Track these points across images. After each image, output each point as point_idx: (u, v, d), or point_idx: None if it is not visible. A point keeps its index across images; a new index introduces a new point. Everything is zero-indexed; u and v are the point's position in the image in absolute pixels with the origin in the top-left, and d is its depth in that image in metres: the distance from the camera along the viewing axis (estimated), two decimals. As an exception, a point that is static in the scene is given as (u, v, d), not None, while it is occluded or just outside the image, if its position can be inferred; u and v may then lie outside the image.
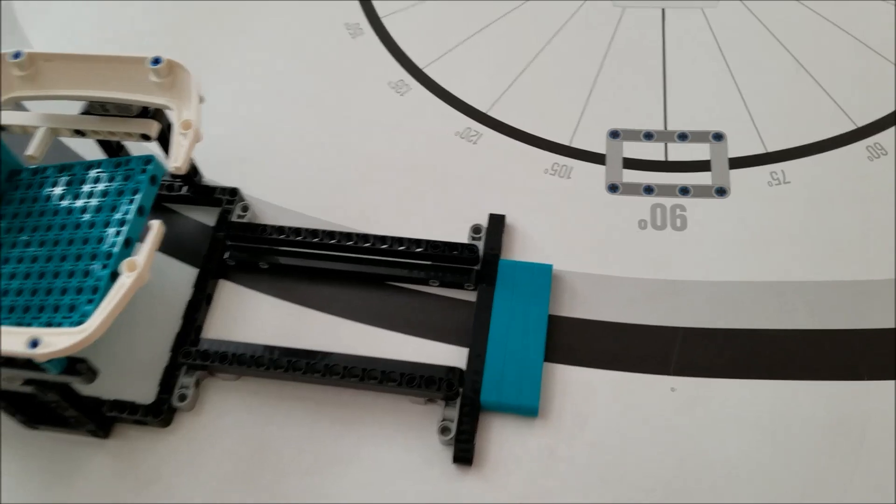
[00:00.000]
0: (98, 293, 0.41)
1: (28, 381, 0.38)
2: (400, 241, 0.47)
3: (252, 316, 0.47)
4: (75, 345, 0.34)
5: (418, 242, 0.46)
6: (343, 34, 0.59)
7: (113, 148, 0.50)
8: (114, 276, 0.42)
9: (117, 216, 0.43)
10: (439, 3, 0.60)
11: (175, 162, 0.39)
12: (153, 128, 0.46)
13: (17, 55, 0.43)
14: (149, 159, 0.45)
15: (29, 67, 0.44)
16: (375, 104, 0.55)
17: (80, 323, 0.40)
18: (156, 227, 0.37)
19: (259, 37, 0.60)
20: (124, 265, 0.36)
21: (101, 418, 0.43)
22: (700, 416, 0.42)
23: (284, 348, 0.45)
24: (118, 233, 0.43)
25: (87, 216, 0.44)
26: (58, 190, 0.46)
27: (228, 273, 0.49)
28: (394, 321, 0.46)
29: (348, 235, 0.47)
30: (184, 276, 0.48)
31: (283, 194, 0.52)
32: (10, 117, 0.46)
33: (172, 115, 0.42)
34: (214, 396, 0.45)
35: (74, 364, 0.36)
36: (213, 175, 0.52)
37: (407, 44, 0.58)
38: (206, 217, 0.52)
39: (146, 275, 0.36)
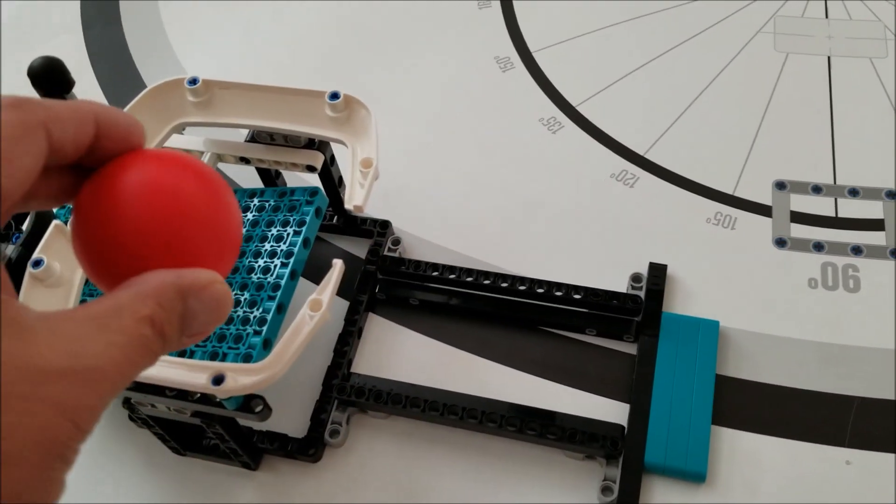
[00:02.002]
0: (265, 326, 0.41)
1: (197, 413, 0.38)
2: (558, 286, 0.45)
3: (401, 352, 0.47)
4: (258, 384, 0.34)
5: (577, 289, 0.45)
6: (493, 68, 0.58)
7: (270, 176, 0.50)
8: (280, 308, 0.42)
9: (283, 247, 0.43)
10: (591, 41, 0.59)
11: (356, 201, 0.39)
12: (319, 159, 0.46)
13: (193, 81, 0.44)
14: (314, 191, 0.45)
15: (204, 94, 0.44)
16: (527, 141, 0.54)
17: (246, 355, 0.40)
18: (338, 266, 0.37)
19: (409, 70, 0.59)
20: (308, 304, 0.36)
21: (252, 450, 0.43)
22: (879, 494, 0.39)
23: (435, 389, 0.44)
24: (284, 264, 0.43)
25: (252, 245, 0.44)
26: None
27: (377, 307, 0.48)
28: (546, 368, 0.45)
29: (503, 276, 0.46)
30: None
31: (431, 228, 0.51)
32: (178, 141, 0.47)
33: (348, 150, 0.42)
34: (364, 434, 0.44)
35: (251, 401, 0.36)
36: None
37: (559, 80, 0.57)
38: (354, 247, 0.51)
39: (328, 315, 0.36)
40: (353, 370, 0.46)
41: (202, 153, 0.48)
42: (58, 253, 0.39)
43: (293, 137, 0.46)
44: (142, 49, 0.64)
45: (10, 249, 0.39)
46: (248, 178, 0.54)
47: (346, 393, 0.44)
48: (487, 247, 0.50)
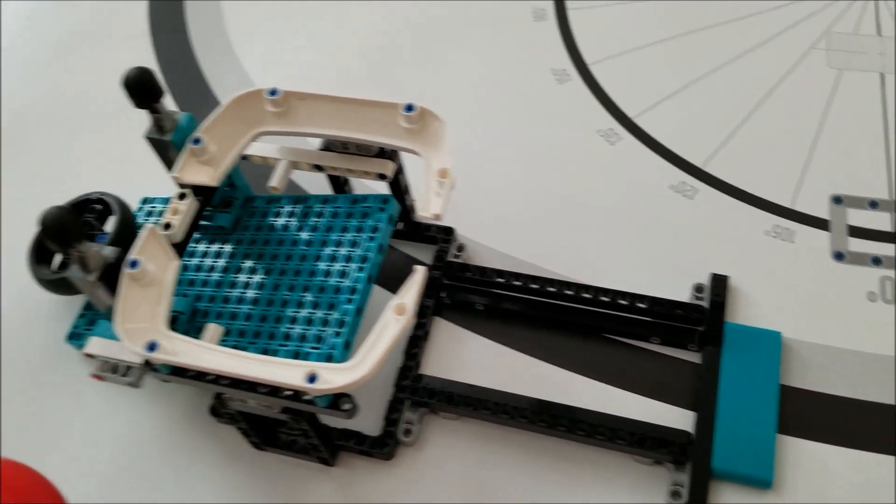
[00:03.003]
0: (345, 327, 0.42)
1: (285, 410, 0.40)
2: (622, 294, 0.47)
3: (467, 355, 0.48)
4: (350, 384, 0.35)
5: (641, 298, 0.46)
6: (550, 80, 0.60)
7: (339, 183, 0.52)
8: (358, 311, 0.43)
9: (358, 252, 0.45)
10: (647, 54, 0.60)
11: (434, 209, 0.40)
12: (390, 168, 0.48)
13: (273, 92, 0.45)
14: (387, 199, 0.47)
15: (283, 105, 0.46)
16: (586, 152, 0.55)
17: (329, 355, 0.42)
18: (421, 272, 0.38)
19: (465, 81, 0.61)
20: (393, 308, 0.37)
21: (331, 446, 0.44)
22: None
23: (503, 392, 0.45)
24: (360, 269, 0.44)
25: (327, 249, 0.46)
26: (294, 221, 0.48)
27: (443, 311, 0.50)
28: (611, 375, 0.46)
29: (568, 284, 0.48)
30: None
31: (492, 235, 0.53)
32: (256, 149, 0.49)
33: (423, 160, 0.44)
34: (434, 434, 0.45)
35: (339, 399, 0.38)
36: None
37: (616, 92, 0.58)
38: (418, 253, 0.53)
39: (413, 319, 0.37)
40: (421, 372, 0.47)
41: (278, 160, 0.49)
42: (151, 255, 0.41)
43: (365, 146, 0.48)
44: (207, 55, 0.65)
45: (108, 250, 0.40)
46: (316, 184, 0.56)
47: (419, 394, 0.45)
48: (547, 253, 0.51)
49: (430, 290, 0.50)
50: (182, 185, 0.45)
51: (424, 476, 0.44)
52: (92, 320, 0.50)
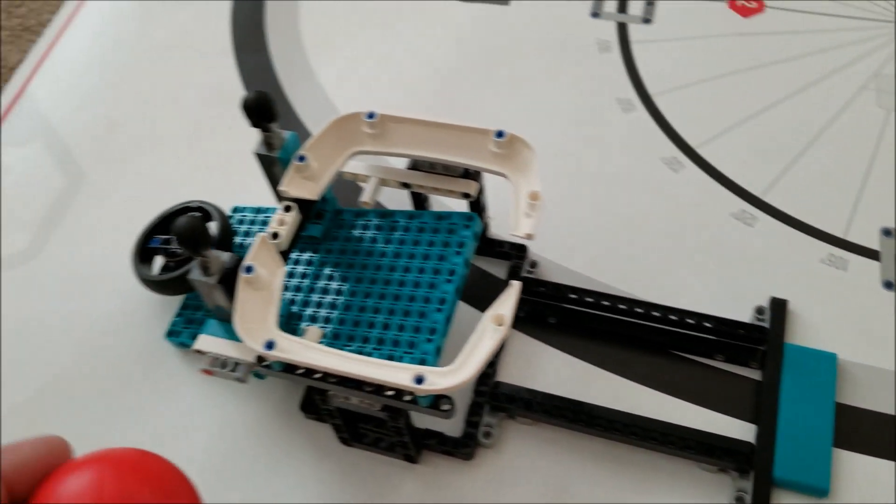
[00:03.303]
0: (436, 334, 0.46)
1: (385, 407, 0.43)
2: (689, 314, 0.50)
3: (539, 365, 0.52)
4: (453, 387, 0.39)
5: (707, 318, 0.50)
6: (615, 109, 0.63)
7: (420, 200, 0.55)
8: (447, 320, 0.47)
9: (446, 265, 0.49)
10: (708, 88, 0.64)
11: (525, 229, 0.44)
12: (474, 188, 0.51)
13: (371, 116, 0.49)
14: (471, 217, 0.50)
15: (378, 127, 0.50)
16: (650, 178, 0.59)
17: (421, 359, 0.46)
18: (517, 286, 0.42)
19: (535, 107, 0.65)
20: (491, 318, 0.41)
21: (418, 445, 0.48)
22: None
23: (576, 401, 0.49)
24: (448, 281, 0.48)
25: (415, 261, 0.50)
26: (382, 233, 0.52)
27: (517, 324, 0.53)
28: (677, 387, 0.49)
29: (638, 302, 0.51)
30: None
31: (562, 254, 0.56)
32: (350, 167, 0.52)
33: (511, 183, 0.47)
34: (511, 437, 0.49)
35: (440, 400, 0.41)
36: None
37: (678, 123, 0.62)
38: (490, 267, 0.56)
39: (509, 330, 0.41)
40: (498, 379, 0.51)
41: (368, 177, 0.53)
42: (263, 262, 0.44)
43: (450, 167, 0.51)
44: (286, 71, 0.70)
45: (226, 256, 0.44)
46: (393, 200, 0.60)
47: (499, 399, 0.49)
48: (614, 273, 0.55)
49: (505, 302, 0.53)
50: (287, 199, 0.49)
51: (502, 476, 0.48)
52: (190, 319, 0.54)
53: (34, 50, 0.75)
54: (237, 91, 0.68)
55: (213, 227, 0.54)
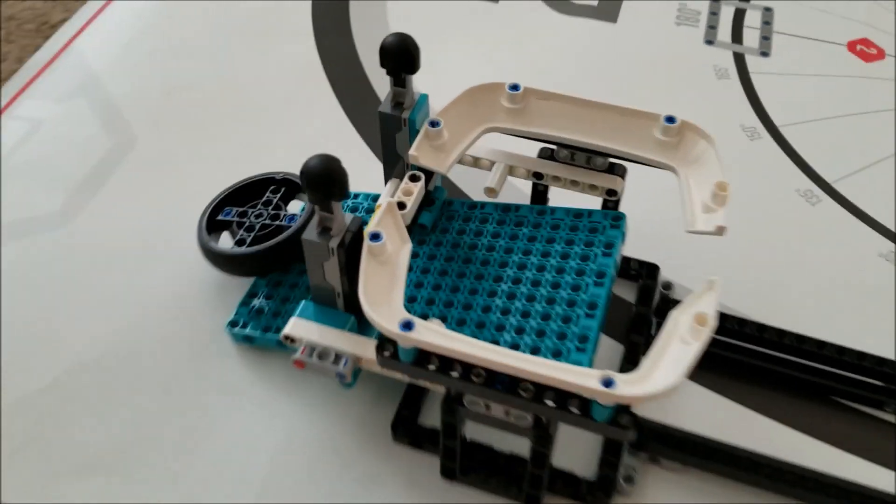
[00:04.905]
0: (588, 343, 0.38)
1: (537, 425, 0.34)
2: (861, 355, 0.43)
3: (681, 401, 0.43)
4: (654, 394, 0.31)
5: (882, 361, 0.42)
6: (741, 135, 0.57)
7: (541, 196, 0.48)
8: (600, 327, 0.39)
9: (592, 267, 0.41)
10: (840, 125, 0.59)
11: (715, 221, 0.37)
12: (620, 184, 0.44)
13: (514, 87, 0.42)
14: (619, 216, 0.43)
15: (520, 101, 0.43)
16: (785, 209, 0.53)
17: (572, 370, 0.37)
18: (717, 282, 0.34)
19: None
20: (695, 317, 0.33)
21: (541, 484, 0.39)
22: None
23: (729, 444, 0.40)
24: (598, 283, 0.40)
25: (551, 260, 0.42)
26: (506, 228, 0.44)
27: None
28: (839, 439, 0.42)
29: (801, 338, 0.43)
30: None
31: (689, 277, 0.49)
32: (472, 148, 0.45)
33: (680, 177, 0.40)
34: (654, 484, 0.40)
35: (620, 415, 0.32)
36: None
37: (810, 156, 0.56)
38: (616, 289, 0.49)
39: (712, 332, 0.33)
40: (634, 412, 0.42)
41: (493, 163, 0.46)
42: (388, 233, 0.36)
43: (593, 159, 0.44)
44: (369, 53, 0.63)
45: (348, 217, 0.36)
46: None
47: (645, 437, 0.40)
48: (750, 303, 0.47)
49: (638, 327, 0.45)
50: (415, 168, 0.41)
51: (646, 530, 0.38)
52: (259, 309, 0.44)
53: (83, 9, 0.67)
54: (314, 72, 0.61)
55: (302, 203, 0.46)
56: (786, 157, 0.56)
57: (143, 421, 0.42)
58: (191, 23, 0.66)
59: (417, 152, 0.40)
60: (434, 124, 0.41)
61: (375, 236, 0.35)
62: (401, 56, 0.39)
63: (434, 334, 0.33)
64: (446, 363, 0.34)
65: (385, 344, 0.34)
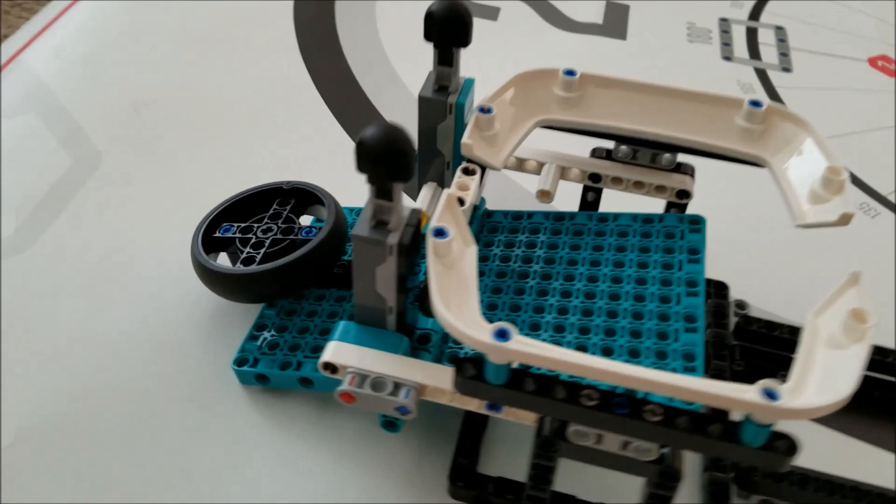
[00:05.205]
0: (696, 360, 0.31)
1: (660, 459, 0.27)
2: (979, 372, 0.37)
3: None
4: (823, 407, 0.24)
5: None
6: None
7: (591, 202, 0.41)
8: (704, 342, 0.32)
9: (679, 275, 0.34)
10: (875, 139, 0.55)
11: (840, 209, 0.31)
12: (690, 184, 0.38)
13: (570, 73, 0.36)
14: (696, 218, 0.37)
15: (576, 90, 0.37)
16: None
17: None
18: (858, 274, 0.28)
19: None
20: (852, 314, 0.26)
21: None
22: None
23: (852, 480, 0.34)
24: (692, 294, 0.34)
25: (628, 271, 0.35)
26: (564, 238, 0.38)
27: (735, 379, 0.39)
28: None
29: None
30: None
31: (753, 294, 0.43)
32: (520, 150, 0.39)
33: (770, 169, 0.35)
34: (770, 533, 0.33)
35: (775, 439, 0.25)
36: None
37: (857, 167, 0.52)
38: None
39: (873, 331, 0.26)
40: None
41: (541, 165, 0.39)
42: (452, 231, 0.29)
43: (660, 157, 0.38)
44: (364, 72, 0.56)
45: (406, 210, 0.29)
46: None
47: (754, 475, 0.33)
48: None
49: (720, 351, 0.39)
50: (469, 161, 0.34)
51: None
52: (273, 343, 0.36)
53: (33, 21, 0.59)
54: (296, 87, 0.54)
55: (323, 213, 0.38)
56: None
57: (129, 489, 0.33)
58: (158, 31, 0.59)
59: (471, 140, 0.34)
60: (486, 111, 0.35)
61: (440, 232, 0.28)
62: (452, 24, 0.33)
63: (537, 347, 0.25)
64: (546, 384, 0.26)
65: (465, 364, 0.27)
